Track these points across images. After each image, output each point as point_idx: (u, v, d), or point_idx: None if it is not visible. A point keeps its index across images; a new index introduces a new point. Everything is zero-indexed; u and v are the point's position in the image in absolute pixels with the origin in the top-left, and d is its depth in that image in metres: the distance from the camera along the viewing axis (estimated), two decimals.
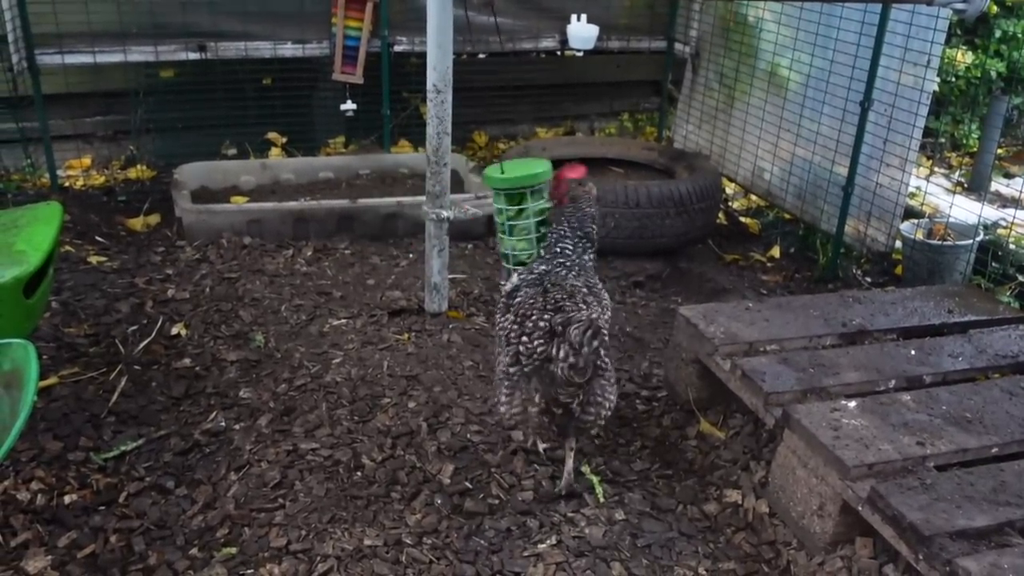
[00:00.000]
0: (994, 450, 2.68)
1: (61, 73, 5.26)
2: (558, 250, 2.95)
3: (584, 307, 2.73)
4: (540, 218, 3.27)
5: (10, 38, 4.76)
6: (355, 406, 3.36)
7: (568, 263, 2.92)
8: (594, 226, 3.03)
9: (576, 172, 3.09)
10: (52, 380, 3.37)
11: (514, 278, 2.94)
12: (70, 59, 5.08)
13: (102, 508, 2.79)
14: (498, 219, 3.34)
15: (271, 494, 2.87)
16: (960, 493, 2.45)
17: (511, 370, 2.68)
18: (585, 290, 2.83)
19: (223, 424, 3.22)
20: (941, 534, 2.29)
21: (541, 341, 2.59)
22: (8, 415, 2.26)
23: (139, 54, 5.25)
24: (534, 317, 2.65)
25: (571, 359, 2.50)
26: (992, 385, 3.03)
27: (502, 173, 3.27)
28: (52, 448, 3.00)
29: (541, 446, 3.08)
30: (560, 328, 2.56)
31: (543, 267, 2.92)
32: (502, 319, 2.82)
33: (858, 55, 4.68)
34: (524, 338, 2.64)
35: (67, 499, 2.80)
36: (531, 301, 2.73)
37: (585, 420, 2.71)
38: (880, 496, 2.42)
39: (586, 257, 2.98)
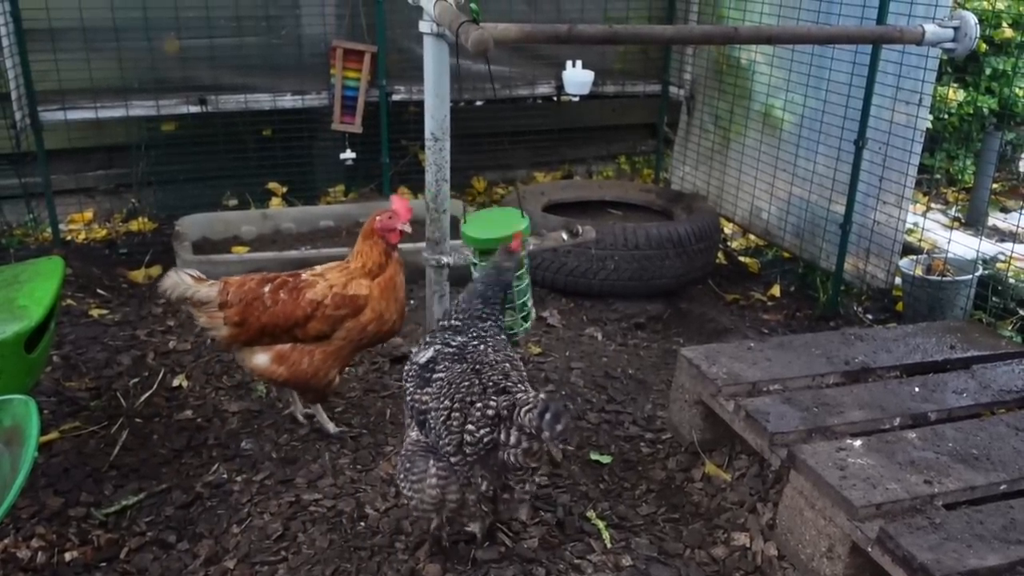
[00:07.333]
0: (1003, 487, 2.65)
1: (63, 129, 5.32)
2: (477, 314, 2.73)
3: (524, 387, 2.53)
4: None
5: (13, 95, 4.82)
6: (358, 455, 3.33)
7: (485, 333, 2.71)
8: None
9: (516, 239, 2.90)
10: (53, 435, 3.35)
11: (428, 351, 2.67)
12: (72, 115, 5.14)
13: (103, 564, 2.76)
14: (475, 272, 3.18)
15: (274, 547, 2.84)
16: (970, 532, 2.43)
17: (453, 459, 2.48)
18: (508, 365, 2.62)
19: (225, 476, 3.20)
20: (953, 574, 2.26)
21: (488, 429, 2.42)
22: (8, 472, 2.25)
23: (140, 108, 5.31)
24: (479, 405, 2.45)
25: (524, 444, 2.37)
26: (998, 421, 3.01)
27: (465, 223, 3.19)
28: (53, 504, 2.97)
29: (474, 527, 2.84)
30: (506, 412, 2.40)
31: (459, 337, 2.68)
32: (418, 392, 2.61)
33: (851, 95, 4.74)
34: (469, 426, 2.44)
35: (68, 556, 2.77)
36: (465, 383, 2.52)
37: (523, 498, 2.62)
38: (890, 536, 2.40)
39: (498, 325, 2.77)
